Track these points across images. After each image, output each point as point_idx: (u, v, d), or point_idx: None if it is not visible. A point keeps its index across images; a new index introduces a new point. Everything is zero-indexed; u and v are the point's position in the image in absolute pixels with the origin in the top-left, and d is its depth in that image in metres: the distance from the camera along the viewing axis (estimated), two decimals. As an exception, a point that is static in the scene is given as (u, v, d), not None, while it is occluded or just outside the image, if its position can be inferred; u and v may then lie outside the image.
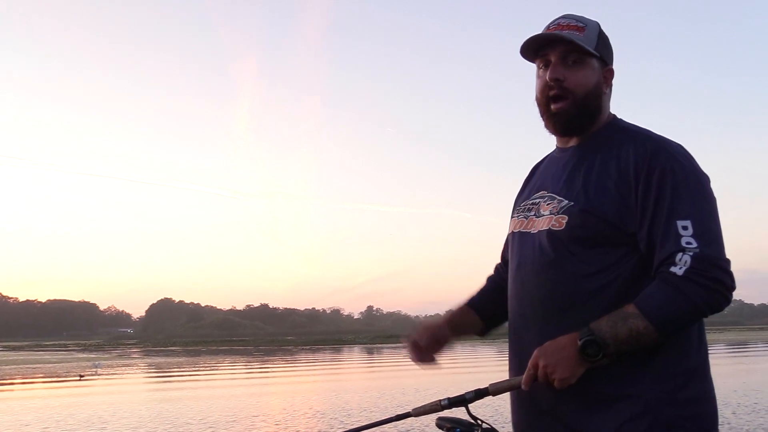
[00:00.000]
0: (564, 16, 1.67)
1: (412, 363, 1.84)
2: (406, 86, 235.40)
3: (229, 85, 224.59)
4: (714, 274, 1.45)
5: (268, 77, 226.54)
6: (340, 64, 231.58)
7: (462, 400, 1.64)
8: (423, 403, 1.66)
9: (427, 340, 1.83)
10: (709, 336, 1.61)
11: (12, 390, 21.25)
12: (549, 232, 1.61)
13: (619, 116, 1.73)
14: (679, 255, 1.46)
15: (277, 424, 11.07)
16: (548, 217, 1.63)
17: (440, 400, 1.64)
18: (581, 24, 1.65)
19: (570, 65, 1.63)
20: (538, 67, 1.70)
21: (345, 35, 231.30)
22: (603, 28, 1.71)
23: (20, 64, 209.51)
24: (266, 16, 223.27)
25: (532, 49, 1.68)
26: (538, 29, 1.69)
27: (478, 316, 1.89)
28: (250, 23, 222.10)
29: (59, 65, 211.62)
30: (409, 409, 1.64)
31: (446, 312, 1.91)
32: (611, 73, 1.70)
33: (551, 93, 1.64)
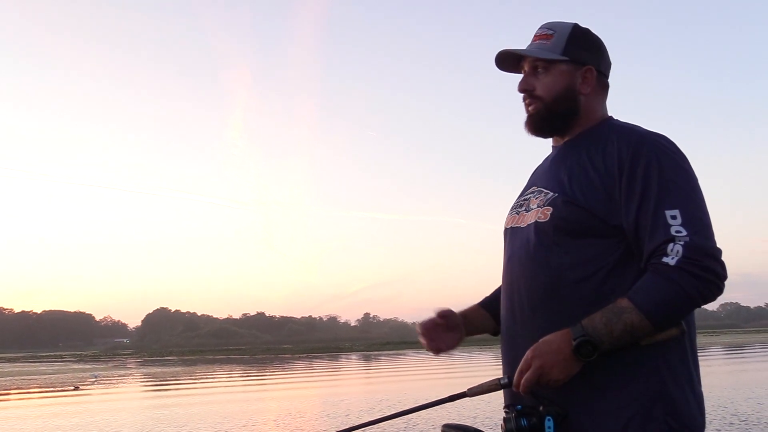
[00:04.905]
0: (541, 26, 1.77)
1: (426, 352, 1.85)
2: (400, 93, 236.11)
3: (221, 92, 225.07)
4: (706, 264, 1.44)
5: (261, 84, 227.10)
6: (333, 70, 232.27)
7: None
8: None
9: (438, 324, 1.84)
10: (706, 339, 1.63)
11: (8, 401, 21.12)
12: (536, 224, 1.65)
13: (615, 117, 1.76)
14: (671, 245, 1.46)
15: (274, 433, 11.01)
16: (535, 210, 1.67)
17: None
18: (550, 32, 1.74)
19: (539, 73, 1.72)
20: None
21: (338, 41, 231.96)
22: (591, 29, 1.76)
23: (12, 72, 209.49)
24: (258, 24, 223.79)
25: (508, 65, 1.80)
26: (531, 35, 1.78)
27: (490, 315, 1.91)
28: (243, 31, 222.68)
29: (51, 74, 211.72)
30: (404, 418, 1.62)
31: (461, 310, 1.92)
32: (590, 71, 1.73)
33: (525, 101, 1.76)
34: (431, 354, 1.87)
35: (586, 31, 1.76)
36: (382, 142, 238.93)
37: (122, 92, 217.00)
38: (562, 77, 1.71)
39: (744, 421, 10.20)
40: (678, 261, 1.44)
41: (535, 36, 1.76)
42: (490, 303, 1.92)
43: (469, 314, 1.91)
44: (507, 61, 1.78)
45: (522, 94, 1.76)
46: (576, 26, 1.75)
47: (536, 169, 1.88)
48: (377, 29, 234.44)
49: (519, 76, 1.78)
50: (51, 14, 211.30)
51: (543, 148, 1.88)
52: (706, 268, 1.44)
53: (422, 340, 1.83)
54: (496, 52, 1.76)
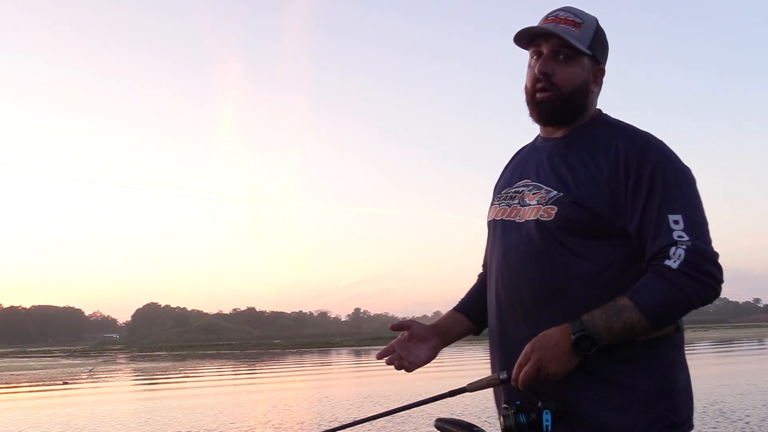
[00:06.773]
0: (564, 9, 1.67)
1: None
2: (392, 87, 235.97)
3: (212, 87, 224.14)
4: (707, 268, 1.48)
5: (251, 79, 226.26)
6: (325, 64, 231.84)
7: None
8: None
9: (404, 342, 1.77)
10: (695, 334, 1.63)
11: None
12: (538, 222, 1.60)
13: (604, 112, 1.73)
14: (673, 248, 1.48)
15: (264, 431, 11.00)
16: (536, 207, 1.62)
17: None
18: (579, 20, 1.65)
19: (560, 60, 1.64)
20: (531, 57, 1.69)
21: (330, 34, 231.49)
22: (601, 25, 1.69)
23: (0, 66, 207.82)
24: (249, 18, 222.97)
25: (526, 39, 1.68)
26: (519, 26, 1.68)
27: (468, 319, 1.87)
28: (234, 25, 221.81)
29: (40, 68, 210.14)
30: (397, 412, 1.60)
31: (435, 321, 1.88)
32: (602, 72, 1.70)
33: (538, 85, 1.66)
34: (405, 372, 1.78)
35: (602, 30, 1.69)
36: (374, 136, 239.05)
37: (112, 86, 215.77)
38: (583, 71, 1.65)
39: (733, 421, 10.26)
40: (680, 264, 1.47)
41: (558, 18, 1.65)
42: (466, 305, 1.89)
43: (445, 323, 1.86)
44: (527, 37, 1.67)
45: (536, 78, 1.65)
46: (598, 21, 1.69)
47: (520, 158, 1.83)
48: (368, 23, 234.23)
49: (516, 70, 1.74)
50: (39, 7, 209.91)
51: (529, 139, 1.83)
52: (707, 273, 1.48)
53: (391, 362, 1.76)
54: (525, 28, 1.65)
